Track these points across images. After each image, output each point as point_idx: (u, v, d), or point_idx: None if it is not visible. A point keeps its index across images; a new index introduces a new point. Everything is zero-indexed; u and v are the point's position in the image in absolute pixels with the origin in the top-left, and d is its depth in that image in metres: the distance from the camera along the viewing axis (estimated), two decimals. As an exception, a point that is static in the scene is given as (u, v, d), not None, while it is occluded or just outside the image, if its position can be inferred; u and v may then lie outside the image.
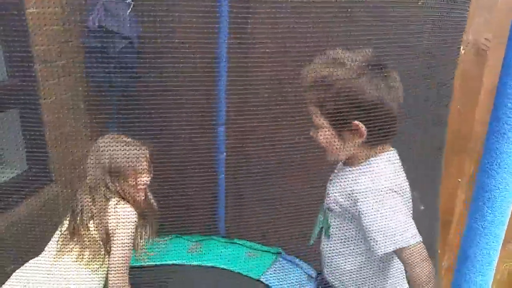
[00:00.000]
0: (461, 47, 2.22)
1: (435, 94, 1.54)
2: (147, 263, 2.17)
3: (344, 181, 1.13)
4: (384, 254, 1.07)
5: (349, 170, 1.15)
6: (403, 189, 1.12)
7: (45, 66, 1.82)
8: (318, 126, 1.12)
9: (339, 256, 1.19)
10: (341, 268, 1.20)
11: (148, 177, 1.63)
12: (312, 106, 1.11)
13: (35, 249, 1.63)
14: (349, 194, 1.12)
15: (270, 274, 2.20)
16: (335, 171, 1.24)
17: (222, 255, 2.25)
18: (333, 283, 1.26)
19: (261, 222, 2.08)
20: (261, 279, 2.23)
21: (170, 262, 2.20)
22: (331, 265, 1.24)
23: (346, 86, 1.04)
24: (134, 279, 2.10)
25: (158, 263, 2.20)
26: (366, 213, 1.07)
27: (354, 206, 1.10)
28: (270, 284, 2.16)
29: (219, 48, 2.04)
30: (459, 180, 2.45)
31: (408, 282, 1.20)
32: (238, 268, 2.23)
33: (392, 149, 1.17)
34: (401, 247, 1.04)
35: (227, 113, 2.18)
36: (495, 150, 0.71)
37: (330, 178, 1.25)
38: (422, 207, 1.34)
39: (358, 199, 1.09)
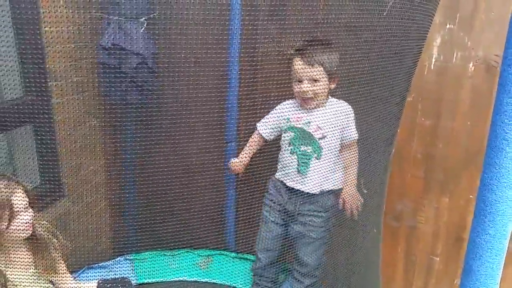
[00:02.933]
0: (471, 63, 2.24)
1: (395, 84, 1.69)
2: (156, 279, 2.19)
3: (329, 115, 1.75)
4: (355, 139, 1.76)
5: (325, 107, 1.77)
6: None
7: (60, 83, 1.86)
8: (317, 79, 1.70)
9: (326, 167, 1.77)
10: (324, 176, 1.77)
11: (29, 215, 1.48)
12: (317, 66, 1.68)
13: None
14: (338, 118, 1.74)
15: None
16: (302, 115, 1.80)
17: (232, 271, 2.25)
18: (315, 192, 1.79)
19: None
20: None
21: (180, 278, 2.21)
22: (317, 178, 1.77)
23: (338, 59, 1.68)
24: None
25: (168, 278, 2.21)
26: (350, 122, 1.74)
27: (346, 122, 1.74)
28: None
29: (230, 65, 2.06)
30: (471, 196, 2.43)
31: None
32: (248, 284, 2.22)
33: None
34: (357, 137, 1.75)
35: (238, 129, 2.20)
36: (494, 165, 0.72)
37: (300, 120, 1.79)
38: (365, 191, 1.81)
39: (346, 117, 1.75)
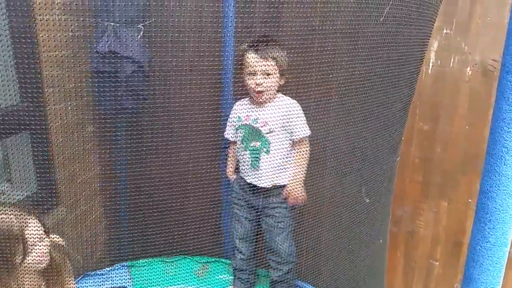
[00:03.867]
0: (468, 67, 2.24)
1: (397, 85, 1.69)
2: (153, 286, 2.17)
3: (276, 110, 1.84)
4: (305, 136, 1.85)
5: (273, 103, 1.87)
6: None
7: (55, 90, 1.85)
8: (269, 73, 1.80)
9: (276, 161, 1.85)
10: (275, 170, 1.86)
11: (45, 245, 1.41)
12: (270, 60, 1.78)
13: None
14: (285, 113, 1.84)
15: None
16: (251, 113, 1.89)
17: (227, 279, 2.24)
18: (268, 186, 1.89)
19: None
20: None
21: (177, 285, 2.19)
22: (268, 172, 1.87)
23: (288, 55, 1.80)
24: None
25: (165, 286, 2.19)
26: (298, 118, 1.83)
27: (293, 117, 1.83)
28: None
29: (225, 72, 2.06)
30: (470, 200, 2.43)
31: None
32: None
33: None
34: (308, 134, 1.85)
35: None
36: (494, 172, 0.71)
37: (248, 117, 1.89)
38: (367, 200, 1.83)
39: (293, 112, 1.84)
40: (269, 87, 1.82)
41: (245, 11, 1.77)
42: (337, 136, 1.76)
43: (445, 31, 2.22)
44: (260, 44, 1.78)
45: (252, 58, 1.80)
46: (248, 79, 1.83)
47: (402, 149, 2.39)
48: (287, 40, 1.76)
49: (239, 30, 1.92)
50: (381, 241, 1.87)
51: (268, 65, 1.79)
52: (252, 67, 1.80)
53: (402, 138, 1.90)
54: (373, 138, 1.68)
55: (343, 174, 1.84)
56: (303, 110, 1.86)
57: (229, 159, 2.07)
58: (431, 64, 2.29)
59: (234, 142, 2.01)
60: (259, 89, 1.82)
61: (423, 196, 2.49)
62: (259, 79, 1.80)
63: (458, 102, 2.29)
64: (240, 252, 2.07)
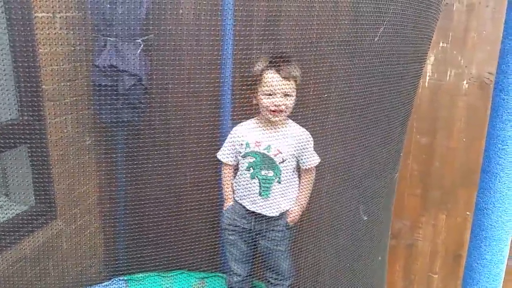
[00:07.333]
0: (465, 81, 2.26)
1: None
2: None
3: (288, 138, 1.75)
4: (316, 163, 1.79)
5: (284, 129, 1.78)
6: None
7: (54, 103, 1.86)
8: (289, 94, 1.71)
9: (286, 190, 1.79)
10: (284, 198, 1.80)
11: None
12: (291, 80, 1.69)
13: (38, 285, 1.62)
14: (297, 143, 1.76)
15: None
16: (261, 139, 1.77)
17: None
18: (276, 215, 1.81)
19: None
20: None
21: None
22: (277, 201, 1.79)
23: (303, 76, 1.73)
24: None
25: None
26: (310, 148, 1.78)
27: (305, 146, 1.77)
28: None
29: (223, 83, 2.07)
30: (468, 213, 2.43)
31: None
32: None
33: None
34: (318, 161, 1.80)
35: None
36: (489, 190, 0.71)
37: (259, 144, 1.77)
38: (365, 218, 1.81)
39: (305, 142, 1.78)
40: (288, 108, 1.73)
41: (243, 23, 1.78)
42: (335, 152, 1.75)
43: (441, 44, 2.24)
44: (282, 62, 1.68)
45: (273, 77, 1.68)
46: (265, 98, 1.70)
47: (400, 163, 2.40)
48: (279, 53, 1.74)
49: (238, 43, 1.93)
50: (380, 258, 1.86)
51: (289, 85, 1.69)
52: (273, 86, 1.68)
53: (401, 154, 1.89)
54: (371, 155, 1.67)
55: (341, 192, 1.83)
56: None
57: (226, 184, 1.92)
58: (427, 78, 2.31)
59: (230, 166, 1.89)
60: (279, 109, 1.70)
61: (421, 209, 2.49)
62: (278, 100, 1.70)
63: (455, 115, 2.30)
64: (236, 273, 1.98)
